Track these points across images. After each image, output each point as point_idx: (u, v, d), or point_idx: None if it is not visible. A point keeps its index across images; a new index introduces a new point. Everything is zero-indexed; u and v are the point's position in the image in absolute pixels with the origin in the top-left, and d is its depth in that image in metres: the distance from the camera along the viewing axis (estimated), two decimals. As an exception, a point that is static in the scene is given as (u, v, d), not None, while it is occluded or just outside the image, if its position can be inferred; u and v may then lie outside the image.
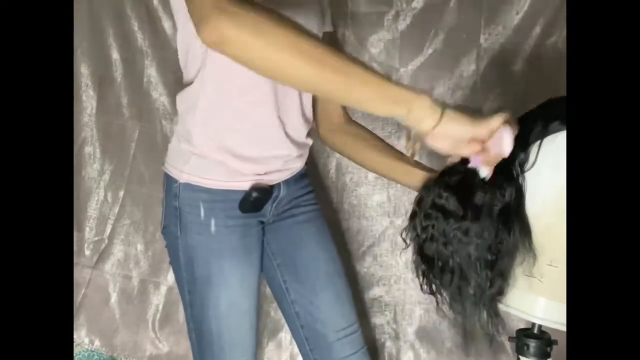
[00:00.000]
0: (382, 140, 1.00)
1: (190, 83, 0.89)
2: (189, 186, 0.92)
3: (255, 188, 0.92)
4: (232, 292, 0.94)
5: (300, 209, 1.05)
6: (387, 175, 0.99)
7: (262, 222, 1.01)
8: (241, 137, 0.90)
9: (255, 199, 0.92)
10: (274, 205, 0.99)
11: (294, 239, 1.03)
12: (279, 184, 0.97)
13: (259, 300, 1.01)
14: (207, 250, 0.93)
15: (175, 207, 0.94)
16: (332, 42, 1.02)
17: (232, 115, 0.88)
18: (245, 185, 0.93)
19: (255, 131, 0.90)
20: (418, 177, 0.87)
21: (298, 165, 1.01)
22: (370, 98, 0.64)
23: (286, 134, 0.93)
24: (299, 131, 0.96)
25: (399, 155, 0.95)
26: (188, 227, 0.93)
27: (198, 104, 0.88)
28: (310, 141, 1.01)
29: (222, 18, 0.58)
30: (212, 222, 0.92)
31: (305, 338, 1.05)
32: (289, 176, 0.99)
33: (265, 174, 0.94)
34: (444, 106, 0.66)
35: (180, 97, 0.92)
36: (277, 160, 0.94)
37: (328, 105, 1.01)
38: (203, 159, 0.91)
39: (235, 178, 0.92)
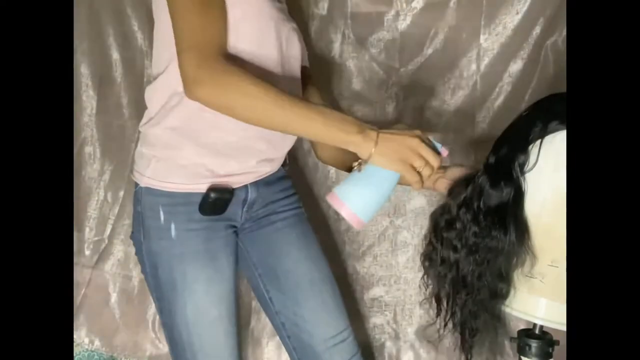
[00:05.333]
0: None
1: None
2: (149, 190, 0.91)
3: (214, 189, 0.90)
4: (198, 298, 0.91)
5: (279, 215, 1.03)
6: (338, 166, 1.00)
7: (233, 227, 0.98)
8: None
9: (215, 200, 0.89)
10: (245, 209, 0.97)
11: (274, 248, 1.01)
12: (246, 186, 0.95)
13: (237, 307, 0.98)
14: (169, 256, 0.91)
15: (138, 212, 0.93)
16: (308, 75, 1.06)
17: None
18: (205, 187, 0.90)
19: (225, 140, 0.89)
20: None
21: (267, 169, 0.98)
22: (323, 130, 0.76)
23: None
24: (271, 140, 0.93)
25: None
26: (150, 233, 0.92)
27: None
28: (283, 148, 0.98)
29: (212, 84, 0.74)
30: (172, 226, 0.90)
31: (293, 348, 1.03)
32: (256, 179, 0.96)
33: (225, 175, 0.91)
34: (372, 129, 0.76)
35: (147, 96, 0.94)
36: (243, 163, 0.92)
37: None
38: (163, 161, 0.90)
39: (195, 180, 0.90)
